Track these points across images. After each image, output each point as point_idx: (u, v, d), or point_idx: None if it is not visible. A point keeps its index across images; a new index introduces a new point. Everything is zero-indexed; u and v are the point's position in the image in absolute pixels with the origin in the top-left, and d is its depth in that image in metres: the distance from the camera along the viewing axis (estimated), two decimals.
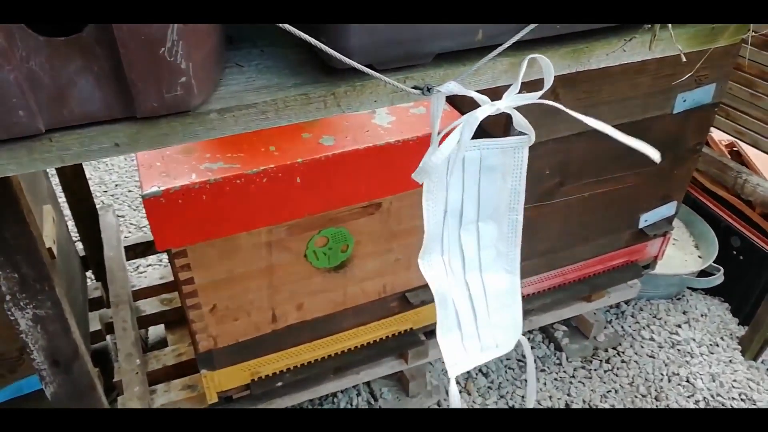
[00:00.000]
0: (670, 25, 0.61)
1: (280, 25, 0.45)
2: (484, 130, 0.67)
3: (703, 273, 1.82)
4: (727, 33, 0.68)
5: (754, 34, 0.72)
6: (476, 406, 1.55)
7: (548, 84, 0.60)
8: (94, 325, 1.49)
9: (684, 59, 0.64)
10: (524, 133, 0.64)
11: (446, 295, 0.68)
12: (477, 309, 0.72)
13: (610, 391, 1.61)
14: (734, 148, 1.84)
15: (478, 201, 0.68)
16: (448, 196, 0.66)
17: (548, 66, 0.58)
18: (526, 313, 1.54)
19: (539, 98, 0.59)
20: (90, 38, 0.42)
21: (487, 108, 0.59)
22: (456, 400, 0.72)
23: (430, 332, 1.47)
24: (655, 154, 0.60)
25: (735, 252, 1.82)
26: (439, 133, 0.60)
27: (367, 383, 1.55)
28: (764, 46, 1.58)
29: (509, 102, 0.60)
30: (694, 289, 1.91)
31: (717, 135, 1.85)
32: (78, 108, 0.45)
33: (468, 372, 1.62)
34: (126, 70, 0.43)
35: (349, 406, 1.54)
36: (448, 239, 0.68)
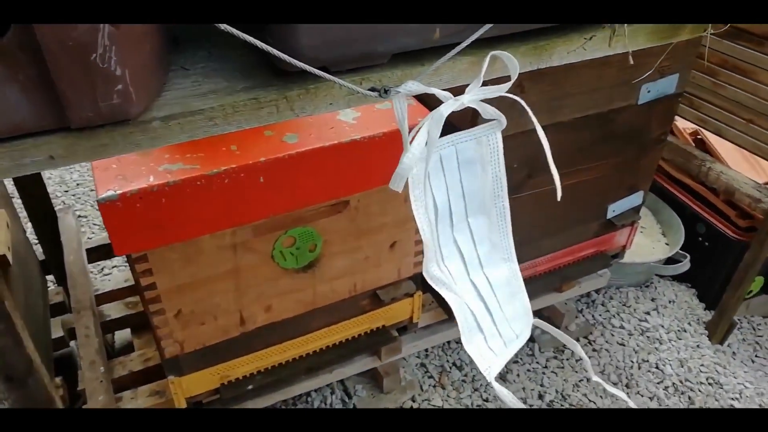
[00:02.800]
0: (625, 24, 0.60)
1: (221, 26, 0.43)
2: (453, 126, 0.66)
3: (671, 260, 1.85)
4: (687, 29, 0.68)
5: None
6: (451, 400, 1.55)
7: (514, 78, 0.59)
8: (57, 332, 1.44)
9: (632, 62, 0.64)
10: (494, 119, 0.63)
11: (460, 301, 0.66)
12: (490, 306, 0.71)
13: (582, 380, 1.62)
14: (698, 136, 1.87)
15: (463, 197, 0.67)
16: (434, 199, 0.64)
17: (511, 60, 0.57)
18: None
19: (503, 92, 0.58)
20: (11, 45, 0.38)
21: (451, 103, 0.58)
22: (507, 398, 0.69)
23: (403, 328, 1.46)
24: (559, 193, 0.65)
25: (701, 238, 1.85)
26: (409, 132, 0.58)
27: (341, 381, 1.54)
28: (725, 36, 1.60)
29: (473, 96, 0.59)
30: (662, 276, 1.94)
31: (681, 123, 1.87)
32: (4, 119, 0.42)
33: (442, 366, 1.62)
34: (54, 79, 0.40)
35: (323, 405, 1.52)
36: (445, 244, 0.67)
